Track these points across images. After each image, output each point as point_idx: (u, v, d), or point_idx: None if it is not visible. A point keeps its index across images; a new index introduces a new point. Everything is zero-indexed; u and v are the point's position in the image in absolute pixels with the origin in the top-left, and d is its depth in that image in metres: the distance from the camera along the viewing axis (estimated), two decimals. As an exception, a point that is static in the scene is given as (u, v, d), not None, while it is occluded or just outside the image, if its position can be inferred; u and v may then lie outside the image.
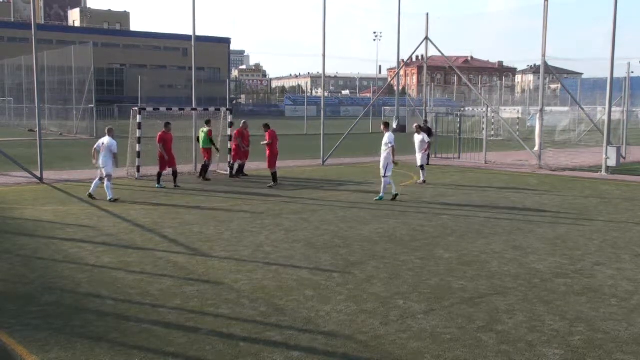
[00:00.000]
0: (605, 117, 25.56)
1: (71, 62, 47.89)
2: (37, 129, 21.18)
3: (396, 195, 17.06)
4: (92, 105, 44.74)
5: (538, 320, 7.71)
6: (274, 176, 20.15)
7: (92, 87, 45.01)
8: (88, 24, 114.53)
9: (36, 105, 21.54)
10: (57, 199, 17.01)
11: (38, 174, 20.32)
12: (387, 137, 16.89)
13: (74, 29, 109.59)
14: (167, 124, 19.65)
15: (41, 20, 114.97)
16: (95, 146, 16.89)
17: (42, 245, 11.54)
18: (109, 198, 16.39)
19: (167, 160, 19.40)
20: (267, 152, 20.48)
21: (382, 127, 17.73)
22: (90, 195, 16.74)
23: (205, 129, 21.91)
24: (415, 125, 23.66)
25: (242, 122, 23.33)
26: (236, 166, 22.63)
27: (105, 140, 16.72)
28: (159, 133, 19.52)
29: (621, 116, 34.91)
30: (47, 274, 9.66)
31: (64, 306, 8.12)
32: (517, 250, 11.44)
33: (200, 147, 22.12)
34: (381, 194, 17.09)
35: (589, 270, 10.12)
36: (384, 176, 17.01)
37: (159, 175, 19.72)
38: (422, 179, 21.02)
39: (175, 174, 19.76)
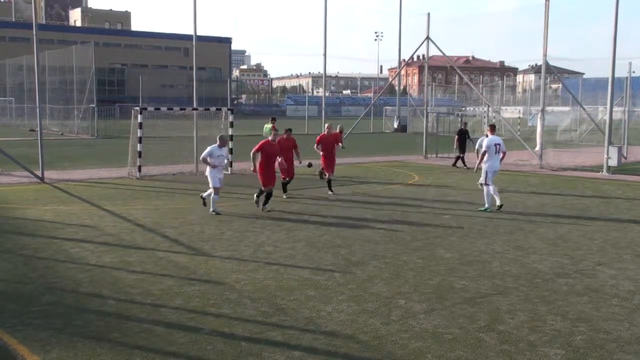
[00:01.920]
0: (607, 117, 25.55)
1: (72, 61, 47.90)
2: (38, 128, 21.18)
3: (501, 205, 15.41)
4: (93, 105, 44.78)
5: (539, 320, 7.71)
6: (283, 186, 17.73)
7: (93, 87, 45.02)
8: (89, 24, 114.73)
9: (37, 105, 21.55)
10: (58, 199, 17.02)
11: (39, 173, 20.32)
12: (487, 140, 15.57)
13: (75, 29, 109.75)
14: (288, 130, 17.65)
15: (42, 20, 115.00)
16: (205, 155, 14.71)
17: (43, 244, 11.54)
18: (211, 209, 14.79)
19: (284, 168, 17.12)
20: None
21: (487, 130, 16.12)
22: (214, 212, 14.73)
23: (270, 125, 23.28)
24: (489, 124, 19.06)
25: (327, 125, 21.34)
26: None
27: (224, 151, 15.17)
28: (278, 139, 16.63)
29: (622, 116, 34.89)
30: (48, 273, 9.66)
31: (65, 306, 8.11)
32: (519, 250, 11.43)
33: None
34: (486, 205, 15.47)
35: (590, 270, 10.11)
36: (485, 184, 15.54)
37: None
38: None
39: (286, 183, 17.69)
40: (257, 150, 15.43)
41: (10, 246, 11.39)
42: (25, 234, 12.53)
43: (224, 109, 24.71)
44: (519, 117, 54.48)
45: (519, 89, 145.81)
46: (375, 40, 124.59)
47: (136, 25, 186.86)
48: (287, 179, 17.35)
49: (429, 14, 31.04)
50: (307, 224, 13.69)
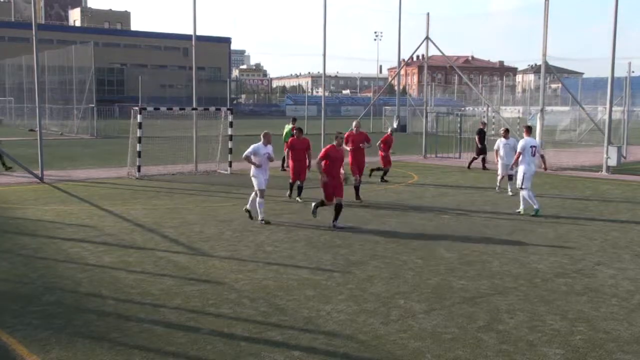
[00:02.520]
0: (606, 117, 25.55)
1: (72, 61, 47.90)
2: (38, 128, 21.19)
3: (537, 211, 14.74)
4: (93, 105, 44.77)
5: (539, 320, 7.71)
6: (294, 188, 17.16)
7: (93, 87, 45.04)
8: (88, 24, 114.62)
9: (37, 104, 21.55)
10: (58, 199, 17.02)
11: (39, 173, 20.32)
12: (522, 142, 15.11)
13: (74, 29, 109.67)
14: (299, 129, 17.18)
15: (42, 20, 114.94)
16: (249, 153, 13.69)
17: (43, 244, 11.55)
18: (260, 218, 13.63)
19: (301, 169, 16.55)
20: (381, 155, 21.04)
21: (524, 132, 15.57)
22: (263, 221, 13.61)
23: (290, 125, 23.51)
24: (503, 129, 19.68)
25: (390, 129, 22.49)
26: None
27: (270, 148, 14.01)
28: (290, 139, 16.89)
29: (622, 116, 34.90)
30: (48, 273, 9.66)
31: (65, 306, 8.12)
32: (518, 250, 11.43)
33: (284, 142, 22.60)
34: (535, 207, 14.77)
35: (589, 269, 10.11)
36: (522, 188, 15.00)
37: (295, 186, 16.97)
38: (509, 190, 17.95)
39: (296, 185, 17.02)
40: (322, 158, 13.44)
41: (10, 246, 11.39)
42: (24, 234, 12.53)
43: (224, 109, 24.72)
44: (519, 117, 54.36)
45: (519, 88, 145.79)
46: (375, 40, 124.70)
47: (136, 25, 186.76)
48: (298, 181, 16.76)
49: (428, 14, 31.04)
50: (307, 223, 13.69)
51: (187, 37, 31.77)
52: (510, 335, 7.20)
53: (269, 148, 13.94)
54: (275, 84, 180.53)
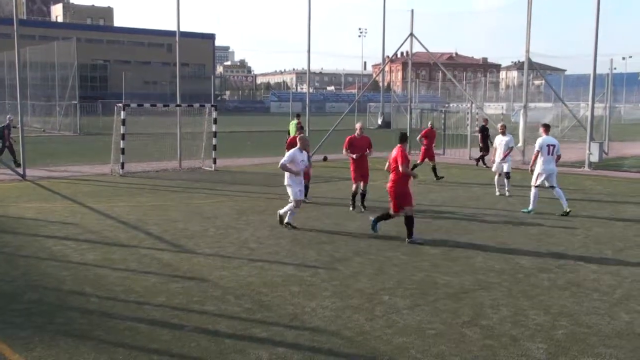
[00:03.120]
0: (588, 113, 25.76)
1: (54, 58, 47.48)
2: (20, 125, 20.99)
3: (530, 211, 14.74)
4: (76, 102, 44.41)
5: (522, 315, 7.77)
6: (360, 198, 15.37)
7: (76, 83, 44.67)
8: (71, 20, 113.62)
9: (18, 101, 21.34)
10: (41, 196, 16.88)
11: (20, 170, 20.14)
12: (540, 140, 14.69)
13: (56, 25, 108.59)
14: (301, 128, 16.45)
15: (23, 15, 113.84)
16: (286, 161, 12.82)
17: (25, 242, 11.45)
18: (286, 221, 12.84)
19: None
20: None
21: (541, 129, 15.00)
22: (288, 224, 12.82)
23: (295, 120, 23.76)
24: (500, 124, 19.53)
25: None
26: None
27: (306, 155, 13.23)
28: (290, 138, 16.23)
29: (604, 112, 35.21)
30: (30, 271, 9.59)
31: (48, 304, 8.06)
32: (502, 245, 11.51)
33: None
34: (530, 207, 14.81)
35: (572, 265, 10.20)
36: (535, 186, 14.79)
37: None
38: (506, 190, 17.58)
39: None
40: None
41: (-9, 244, 11.28)
42: (6, 231, 12.42)
43: (208, 106, 24.63)
44: (502, 114, 54.71)
45: (502, 85, 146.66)
46: (359, 36, 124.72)
47: (119, 21, 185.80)
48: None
49: (412, 10, 31.05)
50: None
51: (170, 33, 31.66)
52: (494, 330, 7.25)
53: (305, 154, 13.01)
54: (259, 80, 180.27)
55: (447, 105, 70.21)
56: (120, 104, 21.68)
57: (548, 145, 14.61)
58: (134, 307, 7.95)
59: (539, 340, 6.98)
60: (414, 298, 8.41)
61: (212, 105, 24.38)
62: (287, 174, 12.74)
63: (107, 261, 10.14)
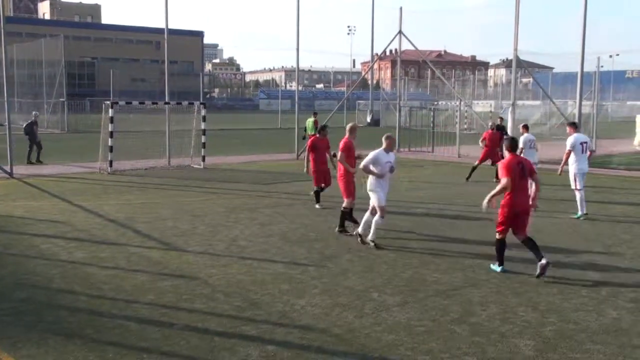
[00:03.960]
0: (576, 111, 25.89)
1: (41, 55, 47.21)
2: (7, 123, 20.85)
3: (580, 216, 13.84)
4: (63, 99, 44.17)
5: (510, 312, 7.81)
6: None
7: (63, 81, 44.42)
8: (58, 17, 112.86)
9: (5, 99, 21.19)
10: (28, 194, 16.78)
11: (8, 168, 20.02)
12: (571, 138, 14.03)
13: (43, 22, 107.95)
14: (323, 128, 15.17)
15: (10, 12, 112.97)
16: (368, 162, 11.02)
17: (13, 241, 11.39)
18: (370, 238, 11.18)
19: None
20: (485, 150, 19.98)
21: (567, 129, 14.49)
22: (362, 240, 11.33)
23: (312, 118, 24.93)
24: (522, 124, 18.46)
25: (490, 124, 21.80)
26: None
27: (393, 156, 11.29)
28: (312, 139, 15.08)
29: (591, 110, 35.40)
30: (18, 269, 9.53)
31: (36, 302, 8.02)
32: (491, 243, 11.53)
33: (308, 134, 24.13)
34: (579, 212, 13.90)
35: (560, 262, 10.26)
36: (577, 189, 13.94)
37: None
38: None
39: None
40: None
41: (-22, 242, 11.20)
42: (-6, 230, 12.34)
43: (196, 103, 24.56)
44: (491, 111, 54.90)
45: (491, 83, 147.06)
46: (348, 34, 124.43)
47: (106, 18, 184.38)
48: (323, 186, 14.93)
49: (401, 8, 31.09)
50: (281, 218, 13.69)
51: (159, 31, 31.55)
52: (483, 327, 7.28)
53: (392, 156, 11.27)
54: (248, 78, 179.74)
55: (436, 103, 70.34)
56: (109, 102, 21.62)
57: (581, 143, 13.90)
58: (123, 305, 7.93)
59: (527, 337, 7.02)
60: (403, 295, 8.44)
61: (201, 103, 24.32)
62: (370, 179, 11.06)
63: (95, 259, 10.10)
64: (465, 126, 43.51)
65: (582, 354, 6.59)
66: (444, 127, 36.19)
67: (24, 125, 24.56)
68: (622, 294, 8.60)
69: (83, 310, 7.74)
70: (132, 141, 25.43)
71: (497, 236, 9.63)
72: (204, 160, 22.95)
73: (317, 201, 14.91)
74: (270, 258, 10.30)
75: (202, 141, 22.92)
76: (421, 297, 8.37)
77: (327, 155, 14.77)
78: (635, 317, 7.69)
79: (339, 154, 12.34)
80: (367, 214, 11.29)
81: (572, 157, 13.94)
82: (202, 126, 23.06)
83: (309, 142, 14.75)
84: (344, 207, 12.31)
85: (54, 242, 11.28)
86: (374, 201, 11.10)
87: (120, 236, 11.81)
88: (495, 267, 9.63)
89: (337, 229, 12.27)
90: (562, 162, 14.18)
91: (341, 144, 12.38)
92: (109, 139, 20.94)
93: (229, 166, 23.64)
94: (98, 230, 12.27)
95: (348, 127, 12.78)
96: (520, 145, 15.71)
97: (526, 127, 17.42)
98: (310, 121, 25.60)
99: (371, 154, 11.11)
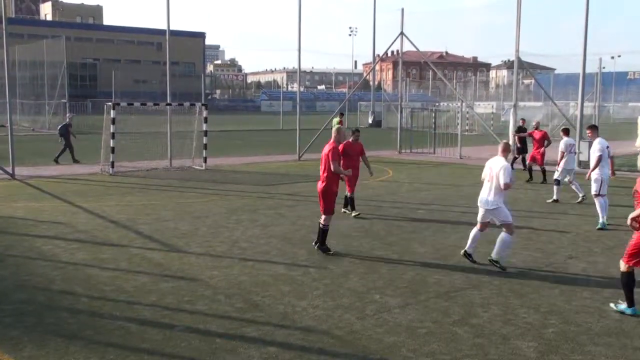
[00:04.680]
0: (578, 112, 25.86)
1: (43, 56, 47.25)
2: (9, 124, 20.87)
3: (604, 225, 12.92)
4: (65, 100, 44.20)
5: (512, 314, 7.80)
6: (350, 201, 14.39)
7: (65, 82, 44.47)
8: (60, 18, 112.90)
9: (7, 100, 21.21)
10: (30, 195, 16.79)
11: (9, 170, 20.02)
12: (597, 143, 13.21)
13: (45, 23, 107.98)
14: (356, 132, 14.33)
15: (12, 13, 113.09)
16: (508, 179, 9.66)
17: (14, 242, 11.39)
18: (495, 257, 9.90)
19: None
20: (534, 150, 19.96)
21: (588, 132, 13.78)
22: (468, 256, 10.29)
23: (337, 119, 25.64)
24: (563, 128, 17.95)
25: (535, 122, 21.82)
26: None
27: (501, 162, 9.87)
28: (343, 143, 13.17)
29: (593, 111, 35.40)
30: (19, 271, 9.53)
31: (37, 304, 8.02)
32: (492, 244, 11.50)
33: None
34: (601, 220, 12.99)
35: (562, 263, 10.25)
36: (600, 195, 13.14)
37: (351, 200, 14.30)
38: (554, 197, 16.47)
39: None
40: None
41: (-20, 244, 11.21)
42: (-5, 231, 12.34)
43: (198, 104, 24.57)
44: (492, 112, 54.92)
45: (492, 84, 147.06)
46: (350, 35, 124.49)
47: (108, 20, 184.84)
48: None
49: (403, 9, 31.11)
50: (282, 219, 13.68)
51: (160, 32, 31.59)
52: (484, 329, 7.27)
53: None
54: (250, 79, 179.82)
55: (437, 104, 70.33)
56: (110, 103, 21.61)
57: (607, 148, 13.26)
58: (124, 306, 7.93)
59: (529, 339, 7.01)
60: (404, 297, 8.43)
61: (202, 104, 24.33)
62: (494, 194, 9.84)
63: (97, 261, 10.10)
64: (467, 128, 43.48)
65: (583, 355, 6.58)
66: (445, 128, 36.19)
67: (59, 127, 25.35)
68: (623, 295, 8.57)
69: (84, 312, 7.74)
70: (133, 142, 25.44)
71: (625, 269, 7.84)
72: (205, 161, 22.94)
73: (353, 208, 14.09)
74: (271, 259, 10.29)
75: (204, 142, 22.92)
76: (422, 299, 8.36)
77: (361, 160, 14.01)
78: (637, 318, 7.67)
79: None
80: (504, 235, 9.84)
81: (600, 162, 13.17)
82: (204, 127, 23.06)
83: (340, 148, 13.06)
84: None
85: (55, 243, 11.28)
86: (503, 218, 9.88)
87: (121, 237, 11.81)
88: (624, 308, 7.85)
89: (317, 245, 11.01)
90: (593, 167, 13.24)
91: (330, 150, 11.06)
92: (111, 140, 20.95)
93: (230, 167, 23.64)
94: (99, 232, 12.27)
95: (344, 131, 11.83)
96: (562, 149, 15.84)
97: (566, 131, 16.70)
98: (335, 121, 25.80)
99: (509, 169, 9.83)
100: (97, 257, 10.31)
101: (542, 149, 19.80)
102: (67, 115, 25.42)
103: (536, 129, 20.48)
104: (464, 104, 37.63)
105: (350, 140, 13.87)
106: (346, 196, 14.15)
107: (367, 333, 7.11)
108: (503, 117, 55.66)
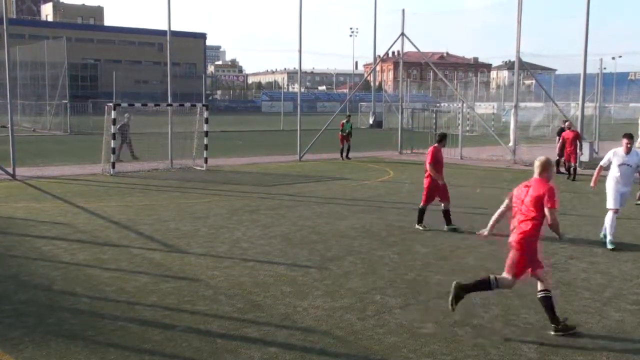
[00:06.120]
0: (579, 113, 25.86)
1: (44, 57, 47.28)
2: (10, 124, 20.88)
3: (612, 244, 11.39)
4: (66, 101, 44.21)
5: (513, 314, 7.80)
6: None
7: (66, 83, 44.46)
8: (61, 19, 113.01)
9: (8, 100, 21.23)
10: (31, 196, 16.79)
11: (10, 170, 20.03)
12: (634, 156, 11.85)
13: (46, 24, 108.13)
14: (442, 136, 13.52)
15: (13, 14, 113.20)
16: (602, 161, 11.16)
17: (15, 242, 11.39)
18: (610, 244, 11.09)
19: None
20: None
21: (624, 142, 11.70)
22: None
23: (344, 121, 27.25)
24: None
25: (566, 122, 22.71)
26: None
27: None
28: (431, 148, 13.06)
29: (594, 112, 35.36)
30: (20, 271, 9.54)
31: (38, 304, 8.02)
32: (493, 244, 11.51)
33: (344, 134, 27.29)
34: (609, 237, 11.48)
35: (562, 263, 10.25)
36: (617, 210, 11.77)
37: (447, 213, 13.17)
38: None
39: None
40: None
41: (-19, 244, 11.21)
42: (-4, 231, 12.35)
43: (199, 105, 24.59)
44: (493, 113, 55.00)
45: (493, 85, 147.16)
46: (351, 36, 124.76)
47: (109, 20, 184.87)
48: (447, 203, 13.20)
49: (403, 10, 31.12)
50: (283, 219, 13.68)
51: (161, 33, 31.60)
52: (485, 330, 7.27)
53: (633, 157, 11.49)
54: (250, 79, 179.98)
55: (438, 104, 70.34)
56: (111, 104, 21.62)
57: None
58: (125, 307, 7.93)
59: (530, 339, 7.00)
60: (405, 297, 8.42)
61: (203, 105, 24.34)
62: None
63: (98, 261, 10.10)
64: (468, 128, 43.48)
65: (584, 356, 6.58)
66: (446, 129, 36.12)
67: (118, 127, 24.46)
68: (624, 296, 8.59)
69: (85, 312, 7.74)
70: (135, 143, 25.45)
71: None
72: (206, 162, 22.95)
73: (420, 221, 13.05)
74: (272, 260, 10.29)
75: (205, 143, 22.92)
76: (423, 300, 8.35)
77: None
78: (638, 319, 7.67)
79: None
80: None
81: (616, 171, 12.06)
82: (205, 128, 23.07)
83: (430, 153, 12.82)
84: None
85: (56, 243, 11.29)
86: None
87: (122, 238, 11.81)
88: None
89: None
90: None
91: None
92: (112, 141, 20.96)
93: (231, 168, 23.64)
94: (100, 232, 12.28)
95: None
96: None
97: (630, 137, 14.35)
98: (349, 122, 27.97)
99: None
100: (98, 258, 10.31)
101: (575, 148, 20.91)
102: (125, 115, 25.01)
103: (568, 129, 21.38)
104: (464, 104, 37.61)
105: (437, 146, 13.04)
106: (421, 209, 13.13)
107: (368, 333, 7.11)
108: (504, 118, 55.62)
